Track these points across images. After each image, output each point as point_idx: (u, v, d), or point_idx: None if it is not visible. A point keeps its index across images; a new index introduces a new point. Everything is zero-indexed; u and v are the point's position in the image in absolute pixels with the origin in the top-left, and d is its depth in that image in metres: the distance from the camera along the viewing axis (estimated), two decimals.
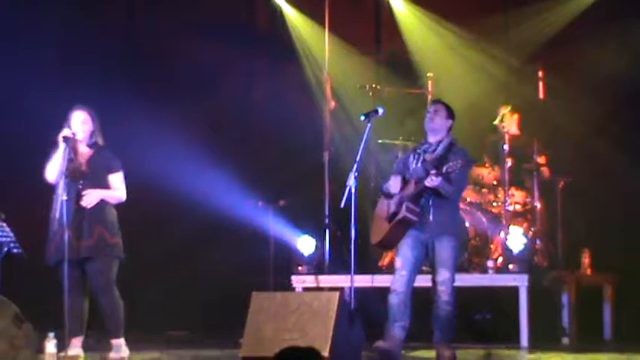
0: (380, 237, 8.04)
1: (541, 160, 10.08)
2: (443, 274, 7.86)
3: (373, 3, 11.84)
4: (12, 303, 7.24)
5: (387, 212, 8.02)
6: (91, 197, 8.04)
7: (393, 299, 7.95)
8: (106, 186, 8.16)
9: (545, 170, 10.12)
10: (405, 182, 8.02)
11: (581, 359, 8.47)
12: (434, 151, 8.03)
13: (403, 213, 7.85)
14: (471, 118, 10.96)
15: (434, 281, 7.89)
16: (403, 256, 7.98)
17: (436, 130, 8.09)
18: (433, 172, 7.73)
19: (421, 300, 8.13)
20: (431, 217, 7.86)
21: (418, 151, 8.13)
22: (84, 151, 8.20)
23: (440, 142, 8.05)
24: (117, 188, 8.20)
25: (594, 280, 10.19)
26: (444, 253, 7.89)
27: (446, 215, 7.90)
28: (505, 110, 10.12)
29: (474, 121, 10.88)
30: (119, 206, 8.24)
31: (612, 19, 10.33)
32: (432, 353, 8.08)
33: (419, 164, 8.04)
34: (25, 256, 7.83)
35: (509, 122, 10.20)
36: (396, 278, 7.97)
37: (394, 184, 8.05)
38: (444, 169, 7.66)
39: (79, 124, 8.14)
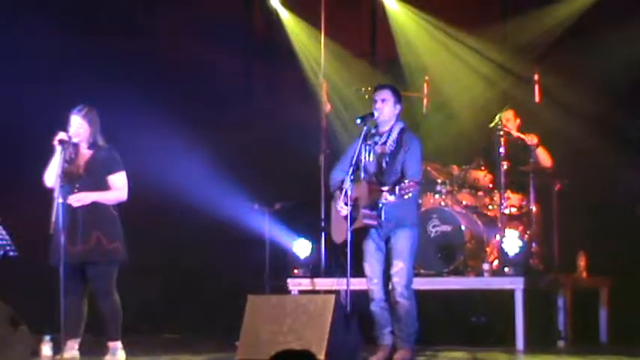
0: (343, 238, 7.93)
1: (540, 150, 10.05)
2: (397, 265, 7.83)
3: (369, 6, 11.84)
4: (7, 305, 7.23)
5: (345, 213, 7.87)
6: (78, 197, 7.99)
7: (375, 307, 7.98)
8: (105, 187, 8.10)
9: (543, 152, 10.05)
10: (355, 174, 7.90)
11: None
12: (384, 143, 7.94)
13: (362, 222, 7.80)
14: (466, 120, 10.99)
15: (389, 275, 7.86)
16: (370, 263, 7.98)
17: (386, 121, 7.99)
18: (386, 190, 7.63)
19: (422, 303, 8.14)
20: (384, 217, 7.81)
21: (369, 142, 7.99)
22: (84, 152, 8.17)
23: (390, 131, 7.98)
24: (116, 189, 8.15)
25: (590, 283, 10.20)
26: (398, 244, 7.85)
27: (399, 209, 7.79)
28: (506, 113, 10.09)
29: (469, 124, 10.89)
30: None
31: (609, 22, 10.33)
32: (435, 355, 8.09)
33: (371, 158, 7.97)
34: (20, 258, 7.80)
35: (511, 125, 10.18)
36: (371, 288, 7.98)
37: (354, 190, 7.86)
38: (397, 190, 7.54)
39: (75, 128, 8.11)
